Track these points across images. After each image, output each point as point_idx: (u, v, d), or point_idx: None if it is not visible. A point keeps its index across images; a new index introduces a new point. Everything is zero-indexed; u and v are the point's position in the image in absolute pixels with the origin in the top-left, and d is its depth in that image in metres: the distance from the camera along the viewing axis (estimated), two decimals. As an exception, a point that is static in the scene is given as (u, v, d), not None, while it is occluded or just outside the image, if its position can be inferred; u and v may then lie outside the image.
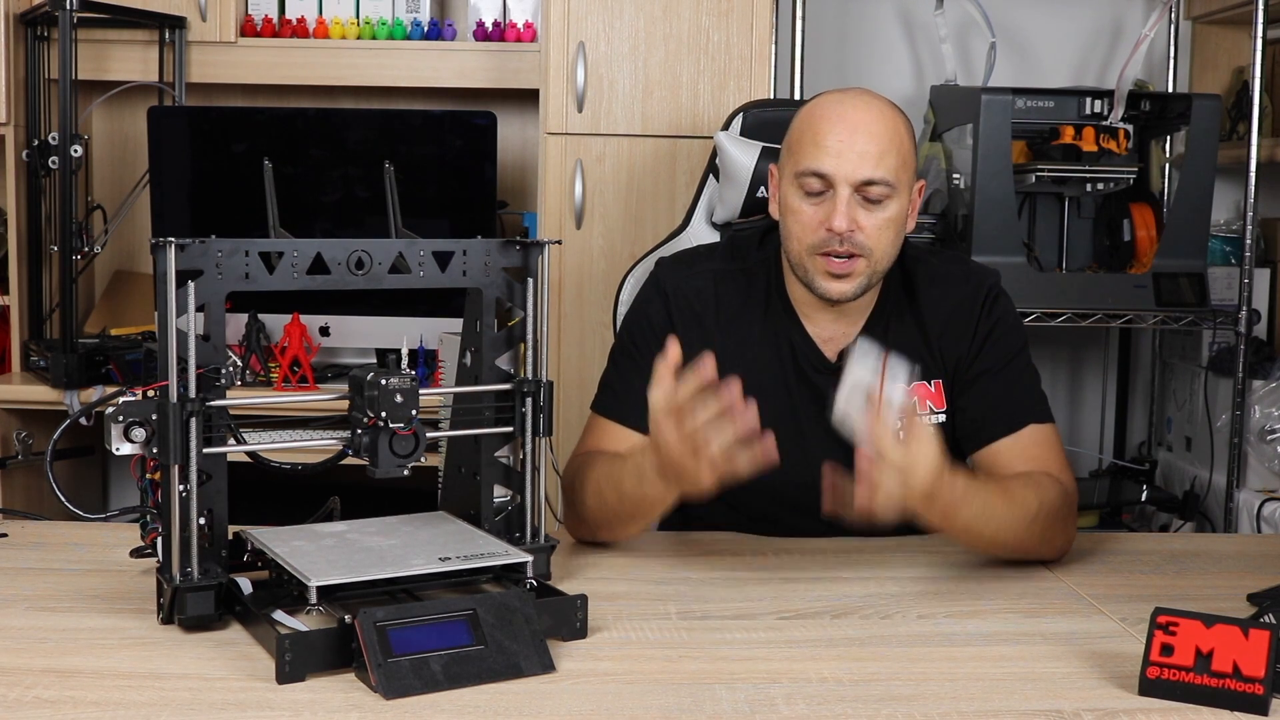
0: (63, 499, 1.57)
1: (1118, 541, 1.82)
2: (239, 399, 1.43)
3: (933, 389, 1.78)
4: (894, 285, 1.79)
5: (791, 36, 2.90)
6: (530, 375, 1.52)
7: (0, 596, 1.46)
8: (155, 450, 1.32)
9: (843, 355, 1.77)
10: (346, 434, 1.43)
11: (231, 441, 1.41)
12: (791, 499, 1.74)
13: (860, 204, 1.67)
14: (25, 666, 1.25)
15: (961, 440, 1.77)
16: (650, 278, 1.85)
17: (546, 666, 1.26)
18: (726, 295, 1.80)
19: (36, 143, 2.88)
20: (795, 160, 1.70)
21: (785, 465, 1.76)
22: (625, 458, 1.62)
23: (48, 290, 3.01)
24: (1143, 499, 3.09)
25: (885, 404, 1.42)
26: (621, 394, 1.78)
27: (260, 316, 2.85)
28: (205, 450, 1.33)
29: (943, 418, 1.78)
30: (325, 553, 1.40)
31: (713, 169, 2.20)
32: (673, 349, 1.44)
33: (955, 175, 2.70)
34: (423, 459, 1.40)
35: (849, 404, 1.44)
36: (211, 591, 1.34)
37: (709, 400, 1.41)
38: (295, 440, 2.40)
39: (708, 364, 1.40)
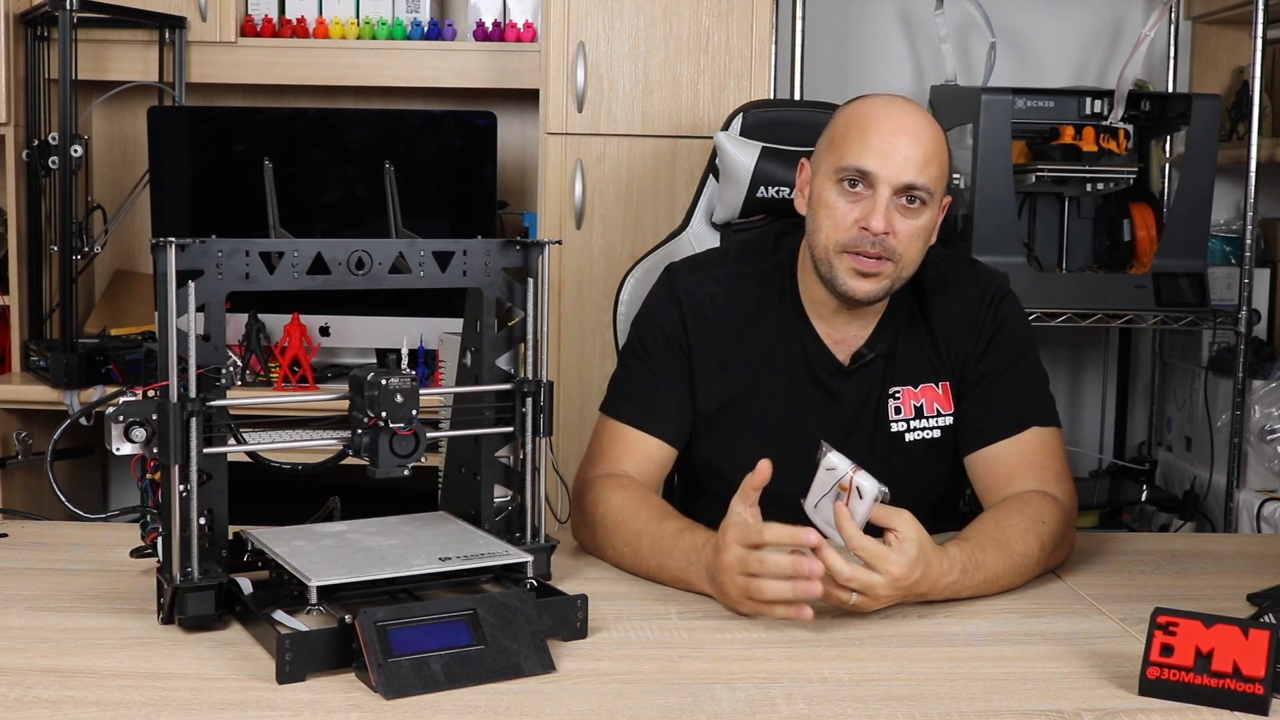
0: (63, 499, 1.57)
1: (1118, 541, 1.82)
2: (239, 399, 1.43)
3: (940, 391, 1.78)
4: (904, 289, 1.79)
5: (791, 36, 2.90)
6: (530, 375, 1.52)
7: (0, 596, 1.46)
8: (155, 450, 1.32)
9: (855, 358, 1.77)
10: (346, 434, 1.43)
11: (231, 441, 1.41)
12: (794, 501, 1.74)
13: (897, 209, 1.66)
14: (25, 666, 1.25)
15: (961, 441, 1.77)
16: (662, 281, 1.84)
17: (546, 666, 1.26)
18: (740, 298, 1.80)
19: (36, 143, 2.88)
20: (838, 156, 1.68)
21: (791, 467, 1.76)
22: (675, 531, 1.57)
23: (48, 290, 3.01)
24: (1143, 499, 3.09)
25: (855, 494, 1.43)
26: (635, 398, 1.77)
27: (260, 316, 2.85)
28: (205, 450, 1.33)
29: (950, 420, 1.78)
30: (325, 553, 1.40)
31: (713, 169, 2.20)
32: (763, 468, 1.44)
33: (955, 175, 2.70)
34: (423, 459, 1.40)
35: (823, 491, 1.46)
36: (211, 591, 1.34)
37: (783, 554, 1.40)
38: (295, 440, 2.40)
39: (810, 535, 1.39)
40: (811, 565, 1.38)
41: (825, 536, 1.43)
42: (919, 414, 1.77)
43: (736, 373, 1.78)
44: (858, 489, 1.43)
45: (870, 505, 1.43)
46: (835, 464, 1.46)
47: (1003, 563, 1.53)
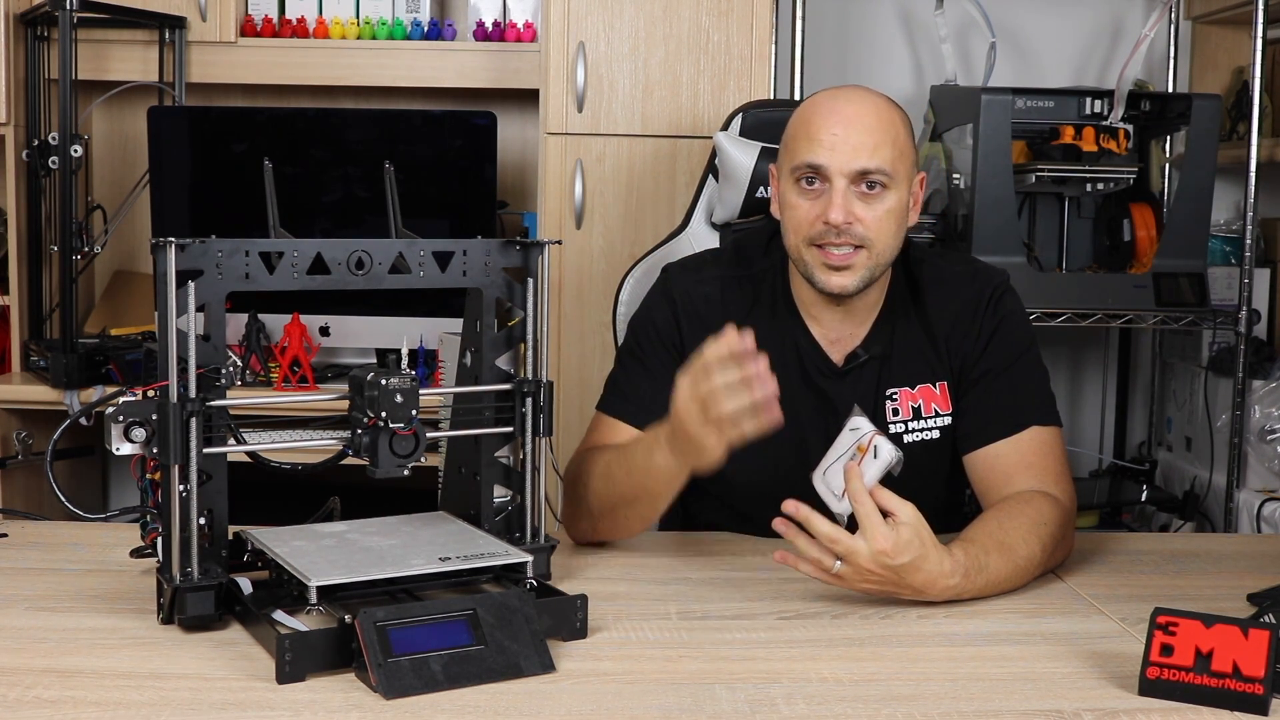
0: (63, 499, 1.57)
1: (1118, 541, 1.82)
2: (239, 399, 1.43)
3: (938, 391, 1.78)
4: (899, 286, 1.79)
5: (791, 36, 2.90)
6: (530, 375, 1.52)
7: (0, 596, 1.46)
8: (155, 450, 1.32)
9: (850, 359, 1.77)
10: (346, 434, 1.43)
11: (231, 441, 1.41)
12: (789, 498, 1.73)
13: (857, 196, 1.66)
14: (25, 666, 1.25)
15: (960, 440, 1.77)
16: (658, 282, 1.84)
17: (546, 666, 1.26)
18: (733, 300, 1.80)
19: (36, 143, 2.88)
20: (791, 156, 1.70)
21: (787, 468, 1.76)
22: (635, 439, 1.64)
23: (48, 290, 3.01)
24: (1143, 499, 3.09)
25: (870, 454, 1.44)
26: (629, 395, 1.78)
27: (260, 316, 2.85)
28: (205, 450, 1.33)
29: (948, 420, 1.78)
30: (325, 553, 1.41)
31: (712, 169, 2.20)
32: (729, 332, 1.44)
33: (955, 175, 2.70)
34: (423, 459, 1.40)
35: (838, 453, 1.47)
36: (211, 591, 1.34)
37: (731, 366, 1.42)
38: (295, 440, 2.40)
39: (747, 336, 1.41)
40: (759, 366, 1.40)
41: (828, 511, 1.44)
42: (917, 415, 1.77)
43: None
44: (874, 448, 1.43)
45: (882, 468, 1.44)
46: (859, 425, 1.47)
47: (1005, 566, 1.53)
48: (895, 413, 1.77)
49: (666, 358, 1.78)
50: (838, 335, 1.78)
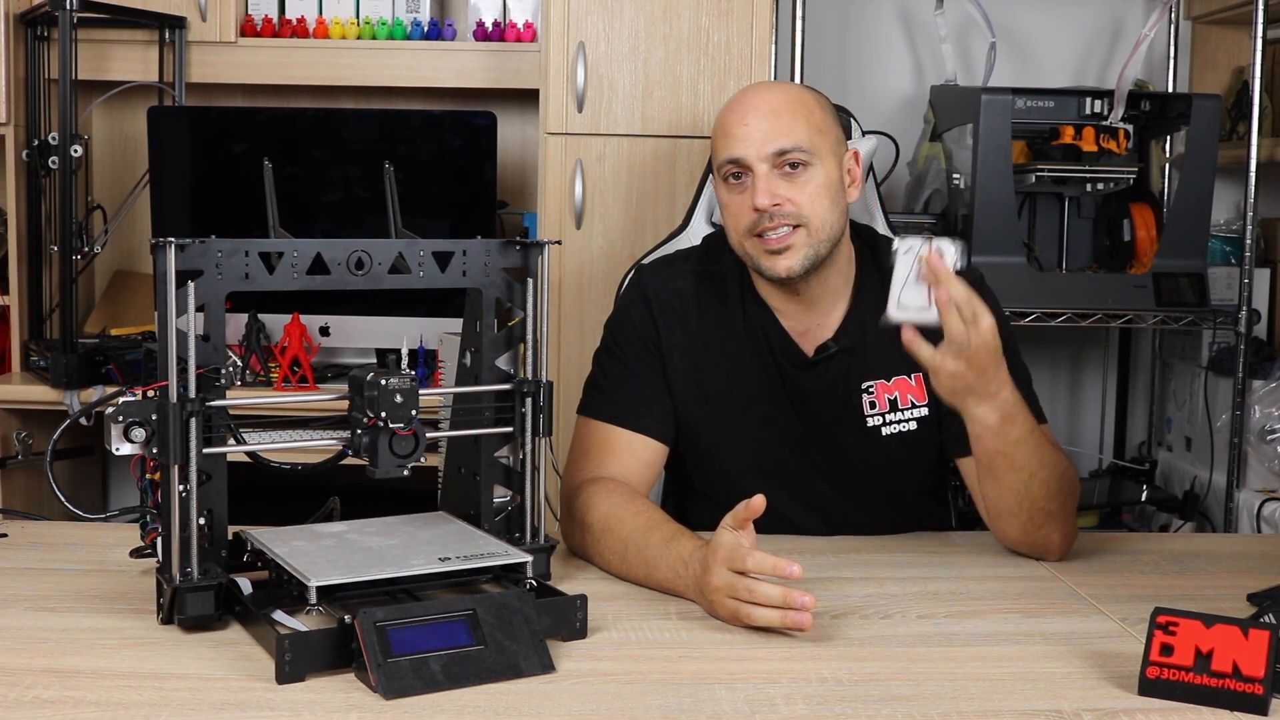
0: (63, 499, 1.57)
1: (1118, 541, 1.82)
2: (239, 399, 1.43)
3: (913, 382, 1.78)
4: (870, 278, 1.79)
5: (791, 36, 2.90)
6: (530, 375, 1.52)
7: (0, 596, 1.46)
8: (155, 450, 1.33)
9: (820, 350, 1.77)
10: (346, 434, 1.43)
11: (231, 441, 1.41)
12: (775, 492, 1.73)
13: (781, 177, 1.68)
14: (25, 666, 1.25)
15: (949, 445, 1.76)
16: (632, 281, 1.86)
17: (546, 666, 1.26)
18: (707, 295, 1.81)
19: (36, 143, 2.88)
20: (715, 158, 1.74)
21: (766, 459, 1.77)
22: (661, 540, 1.53)
23: (48, 290, 3.01)
24: (1143, 499, 3.09)
25: (937, 257, 1.47)
26: (612, 395, 1.78)
27: (260, 316, 2.85)
28: (205, 450, 1.33)
29: (925, 411, 1.78)
30: (325, 553, 1.41)
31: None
32: (756, 502, 1.42)
33: (955, 175, 2.70)
34: (423, 459, 1.40)
35: (902, 281, 1.49)
36: (211, 591, 1.34)
37: (774, 585, 1.38)
38: (295, 440, 2.40)
39: (794, 566, 1.37)
40: (802, 598, 1.35)
41: (917, 326, 1.50)
42: (893, 407, 1.77)
43: (708, 368, 1.79)
44: (939, 251, 1.47)
45: (953, 266, 1.47)
46: (910, 245, 1.48)
47: (1042, 441, 1.60)
48: (871, 405, 1.77)
49: (646, 354, 1.78)
50: (805, 326, 1.78)
